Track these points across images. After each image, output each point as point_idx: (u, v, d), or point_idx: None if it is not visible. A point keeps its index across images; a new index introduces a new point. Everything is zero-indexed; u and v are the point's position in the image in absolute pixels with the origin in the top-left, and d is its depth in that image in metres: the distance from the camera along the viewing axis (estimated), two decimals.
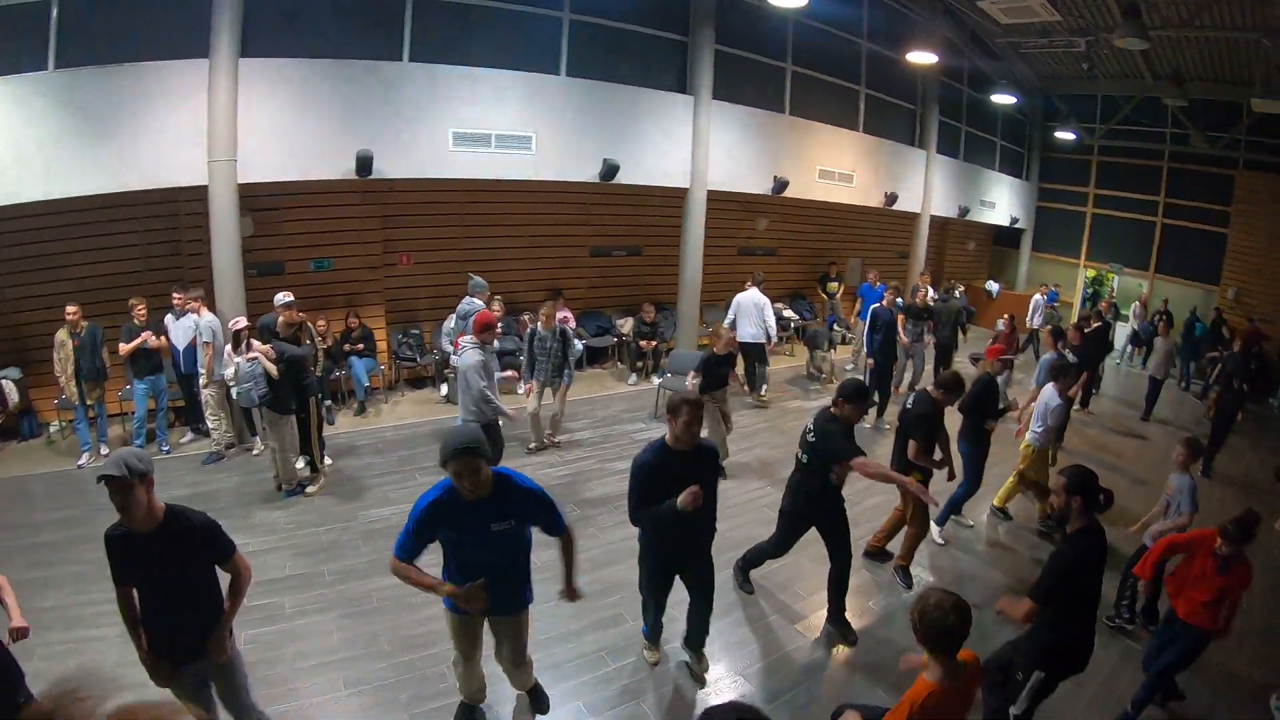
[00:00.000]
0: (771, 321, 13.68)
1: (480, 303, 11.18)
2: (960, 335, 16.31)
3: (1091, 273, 26.11)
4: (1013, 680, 5.12)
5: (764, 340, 13.69)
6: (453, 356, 9.88)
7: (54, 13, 9.31)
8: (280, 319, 8.87)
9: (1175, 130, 22.31)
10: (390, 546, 4.49)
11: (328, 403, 11.28)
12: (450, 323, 11.82)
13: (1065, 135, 24.09)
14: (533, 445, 10.78)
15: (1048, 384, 9.22)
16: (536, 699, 5.57)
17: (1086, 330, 14.00)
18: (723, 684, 6.13)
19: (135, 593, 4.12)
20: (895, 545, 8.08)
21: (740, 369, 11.28)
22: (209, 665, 4.32)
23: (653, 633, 6.24)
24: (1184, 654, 5.92)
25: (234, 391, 8.75)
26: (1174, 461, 7.47)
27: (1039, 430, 8.97)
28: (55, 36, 9.33)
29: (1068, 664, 5.07)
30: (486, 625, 4.98)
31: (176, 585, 4.06)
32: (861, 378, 9.65)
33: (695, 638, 6.19)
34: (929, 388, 7.79)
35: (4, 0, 9.13)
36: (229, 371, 8.98)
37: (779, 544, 7.01)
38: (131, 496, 3.77)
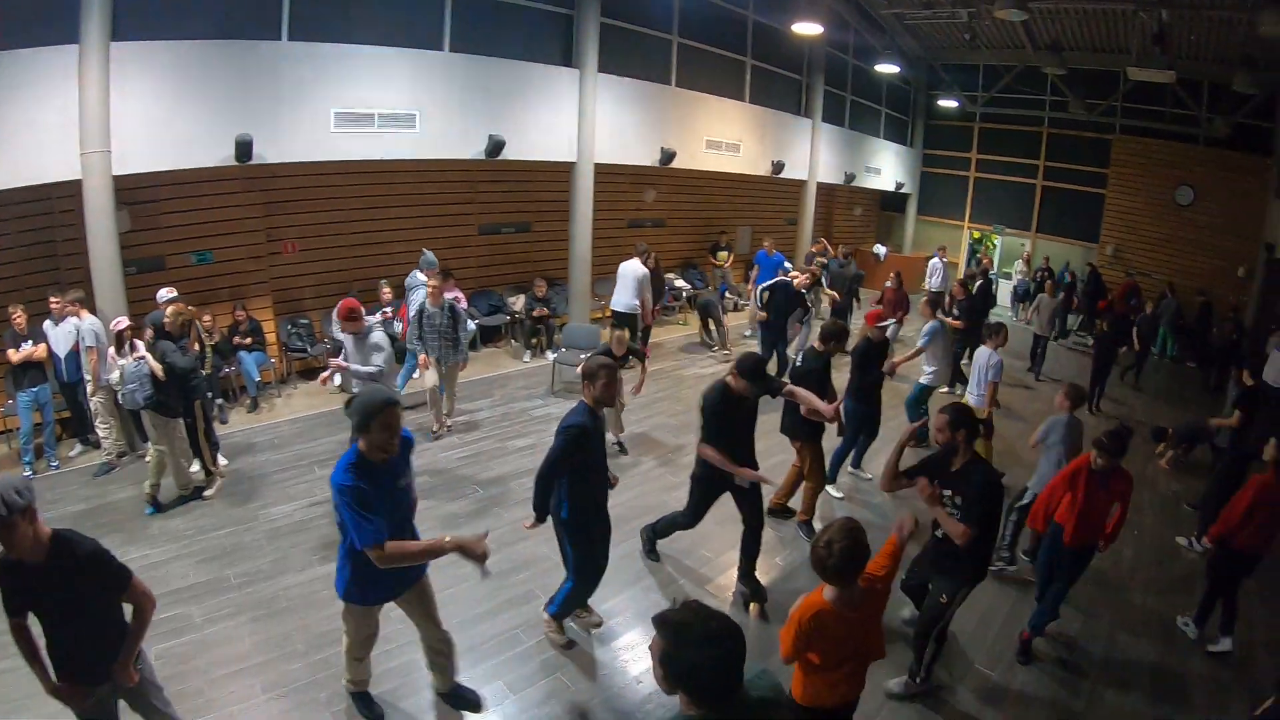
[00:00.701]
0: (648, 295, 13.93)
1: (423, 278, 11.61)
2: (855, 301, 16.85)
3: (976, 234, 27.23)
4: (935, 601, 5.67)
5: (637, 313, 13.94)
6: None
7: None
8: (168, 312, 8.53)
9: (1055, 98, 23.50)
10: (295, 543, 4.56)
11: (219, 401, 11.06)
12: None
13: (948, 103, 25.14)
14: (435, 430, 10.79)
15: (981, 347, 10.03)
16: (461, 699, 5.64)
17: (971, 287, 15.06)
18: (638, 650, 6.37)
19: (38, 620, 4.02)
20: (797, 503, 8.55)
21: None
22: (119, 688, 4.30)
23: (573, 603, 6.35)
24: (1073, 574, 6.57)
25: (119, 394, 8.46)
26: (1056, 406, 8.04)
27: (979, 393, 9.63)
28: None
29: (980, 577, 5.65)
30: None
31: (74, 612, 4.00)
32: (761, 353, 9.94)
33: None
34: (814, 343, 8.20)
35: None
36: (114, 375, 8.69)
37: (692, 514, 7.16)
38: (15, 533, 3.64)
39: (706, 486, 6.97)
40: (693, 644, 2.59)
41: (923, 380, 10.85)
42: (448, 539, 4.55)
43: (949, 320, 12.82)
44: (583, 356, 10.99)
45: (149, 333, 8.61)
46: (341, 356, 8.51)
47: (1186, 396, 16.21)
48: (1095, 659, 6.79)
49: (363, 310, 8.59)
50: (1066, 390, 8.01)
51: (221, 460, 9.39)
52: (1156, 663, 6.85)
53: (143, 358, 8.24)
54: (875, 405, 9.49)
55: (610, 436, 9.99)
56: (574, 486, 5.65)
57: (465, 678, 5.75)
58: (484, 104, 13.22)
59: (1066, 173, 24.56)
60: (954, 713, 5.94)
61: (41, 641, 4.04)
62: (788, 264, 16.51)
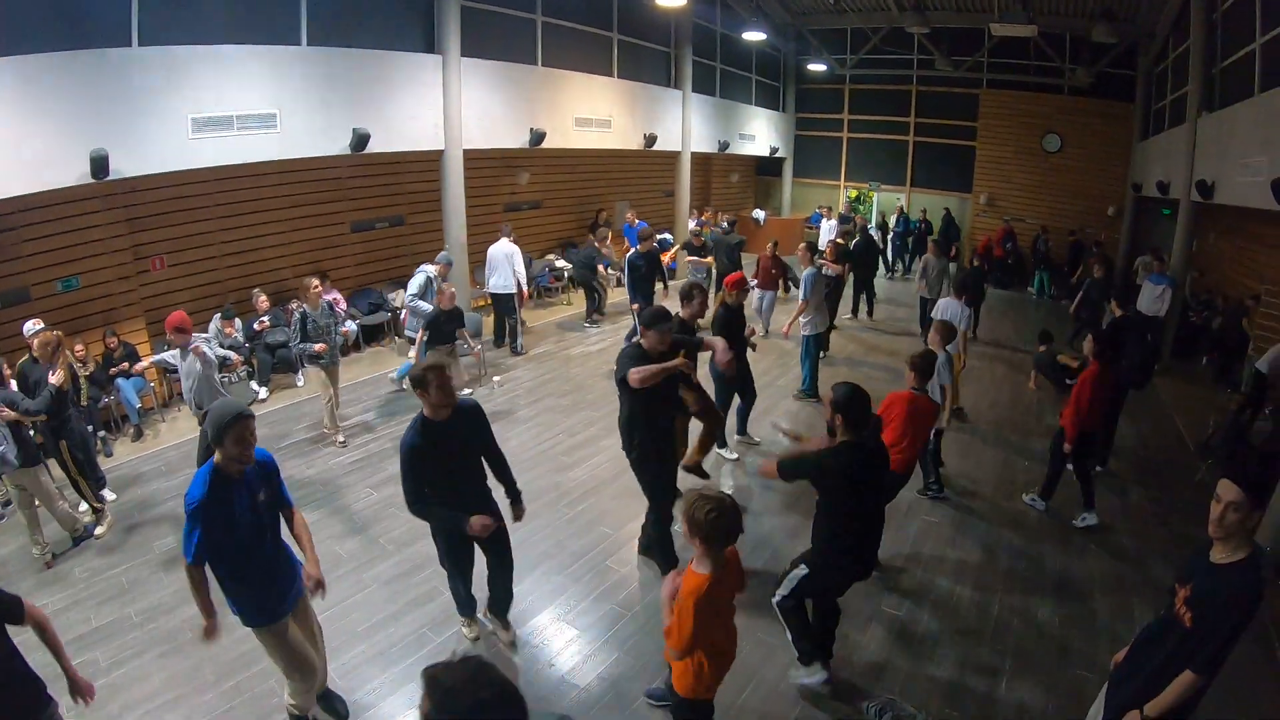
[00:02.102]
0: (521, 270, 14.33)
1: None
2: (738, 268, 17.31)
3: (853, 193, 28.24)
4: (788, 568, 5.81)
5: (514, 290, 14.35)
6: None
7: None
8: (35, 343, 8.37)
9: (922, 56, 24.93)
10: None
11: (101, 434, 10.89)
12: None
13: (818, 67, 25.96)
14: (342, 440, 10.80)
15: (948, 297, 11.55)
16: (330, 703, 5.78)
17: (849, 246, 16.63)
18: (548, 633, 6.70)
19: None
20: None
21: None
22: None
23: (464, 607, 6.54)
24: None
25: None
26: (930, 343, 8.90)
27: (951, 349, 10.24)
28: None
29: (829, 572, 5.67)
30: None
31: None
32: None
33: (498, 604, 6.55)
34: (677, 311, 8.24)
35: None
36: None
37: (656, 498, 7.22)
38: None
39: (653, 464, 7.00)
40: (459, 713, 2.41)
41: (805, 332, 11.72)
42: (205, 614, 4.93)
43: (828, 264, 14.01)
44: (470, 342, 11.34)
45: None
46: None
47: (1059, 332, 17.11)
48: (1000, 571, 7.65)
49: (190, 324, 8.64)
50: (936, 327, 9.05)
51: (108, 494, 9.28)
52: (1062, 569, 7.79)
53: None
54: (744, 369, 9.79)
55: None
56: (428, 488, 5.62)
57: (378, 682, 6.05)
58: (346, 97, 13.18)
59: (937, 127, 26.00)
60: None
61: None
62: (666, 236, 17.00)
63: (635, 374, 6.23)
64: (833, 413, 5.33)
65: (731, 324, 9.53)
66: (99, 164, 10.25)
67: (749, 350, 10.03)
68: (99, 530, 8.66)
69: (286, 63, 12.45)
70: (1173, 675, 3.81)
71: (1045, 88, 23.60)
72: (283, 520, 5.13)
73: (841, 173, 28.58)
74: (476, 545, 6.05)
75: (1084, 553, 8.23)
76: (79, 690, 4.49)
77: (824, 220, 21.68)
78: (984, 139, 25.17)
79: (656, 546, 7.40)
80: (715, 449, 9.65)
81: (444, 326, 11.38)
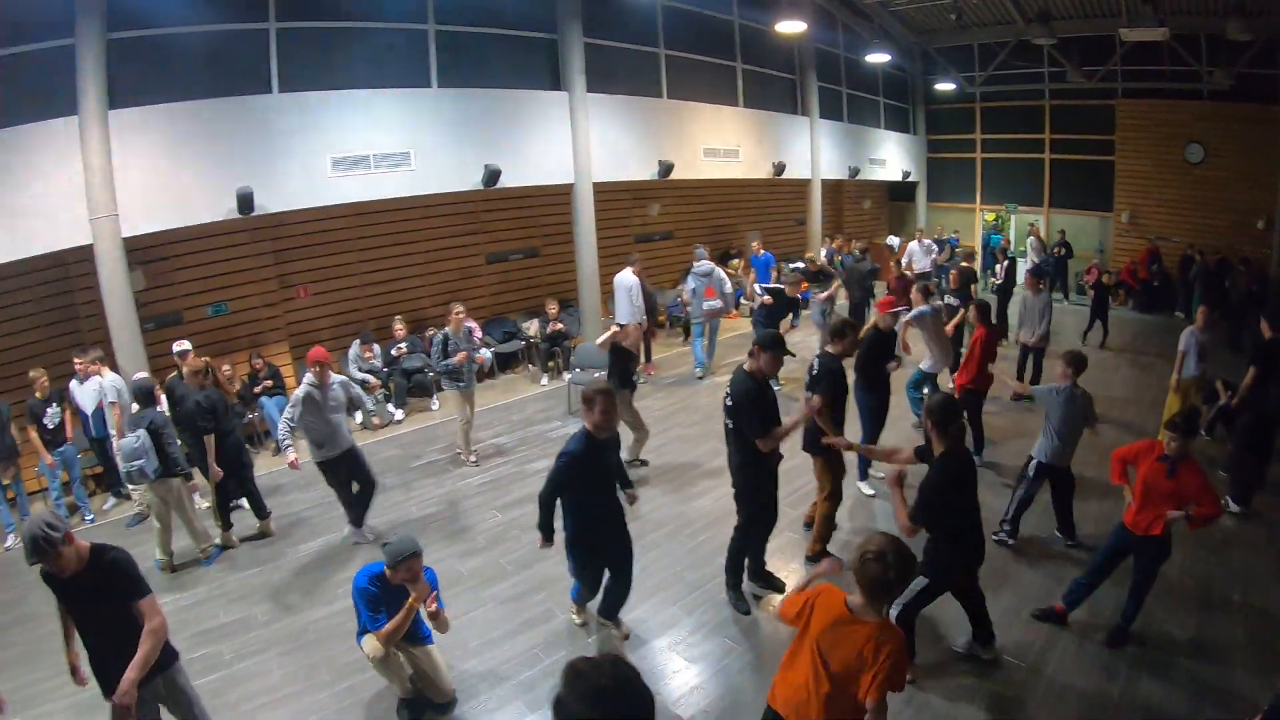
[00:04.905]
0: (639, 303, 14.16)
1: (708, 264, 14.47)
2: (870, 297, 16.86)
3: (991, 215, 27.06)
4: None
5: (632, 322, 14.12)
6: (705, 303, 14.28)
7: None
8: (185, 370, 8.82)
9: (1053, 69, 23.29)
10: (322, 578, 5.12)
11: (245, 447, 11.40)
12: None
13: (946, 86, 24.97)
14: (474, 460, 11.01)
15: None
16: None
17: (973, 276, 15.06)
18: (657, 661, 6.53)
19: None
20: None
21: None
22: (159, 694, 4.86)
23: (580, 599, 6.76)
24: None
25: (125, 472, 8.22)
26: (1058, 377, 7.99)
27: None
28: None
29: (949, 575, 5.72)
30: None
31: (105, 619, 4.58)
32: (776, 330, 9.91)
33: (609, 610, 6.70)
34: (827, 346, 7.94)
35: None
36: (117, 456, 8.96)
37: (753, 517, 6.97)
38: (63, 560, 4.35)
39: (761, 500, 6.88)
40: (578, 697, 2.51)
41: (922, 366, 11.14)
42: (413, 598, 5.41)
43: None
44: (597, 375, 11.35)
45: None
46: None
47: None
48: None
49: (329, 361, 8.65)
50: (1066, 357, 7.96)
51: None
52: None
53: (142, 435, 8.04)
54: (883, 395, 9.18)
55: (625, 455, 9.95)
56: (577, 509, 5.88)
57: (486, 698, 6.13)
58: (477, 135, 13.58)
59: (1073, 143, 24.36)
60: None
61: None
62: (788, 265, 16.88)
63: (766, 445, 6.30)
64: (929, 421, 5.43)
65: (880, 348, 9.19)
66: (245, 201, 10.98)
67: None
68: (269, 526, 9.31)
69: (418, 104, 13.01)
70: None
71: (1183, 94, 21.62)
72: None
73: (977, 195, 27.27)
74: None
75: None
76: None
77: (914, 244, 19.87)
78: (1123, 153, 23.33)
79: (732, 560, 7.19)
80: (856, 482, 9.39)
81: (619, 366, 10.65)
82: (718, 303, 14.72)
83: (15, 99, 9.82)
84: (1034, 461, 7.89)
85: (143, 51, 10.71)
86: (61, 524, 4.36)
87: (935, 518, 5.42)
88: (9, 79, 9.82)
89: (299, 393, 8.29)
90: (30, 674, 6.81)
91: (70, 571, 4.39)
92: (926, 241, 20.01)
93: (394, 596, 5.39)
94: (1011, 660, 6.26)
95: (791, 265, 18.63)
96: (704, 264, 14.80)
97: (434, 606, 5.41)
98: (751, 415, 6.29)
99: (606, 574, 6.43)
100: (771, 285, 14.20)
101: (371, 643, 5.35)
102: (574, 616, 6.90)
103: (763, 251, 17.97)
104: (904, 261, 19.02)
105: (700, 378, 14.62)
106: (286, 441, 8.16)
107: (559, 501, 6.00)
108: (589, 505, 5.88)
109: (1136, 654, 6.36)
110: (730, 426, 6.59)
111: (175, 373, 9.75)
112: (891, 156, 26.01)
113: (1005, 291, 16.74)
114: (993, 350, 10.04)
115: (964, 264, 15.38)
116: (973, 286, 14.41)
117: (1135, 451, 6.47)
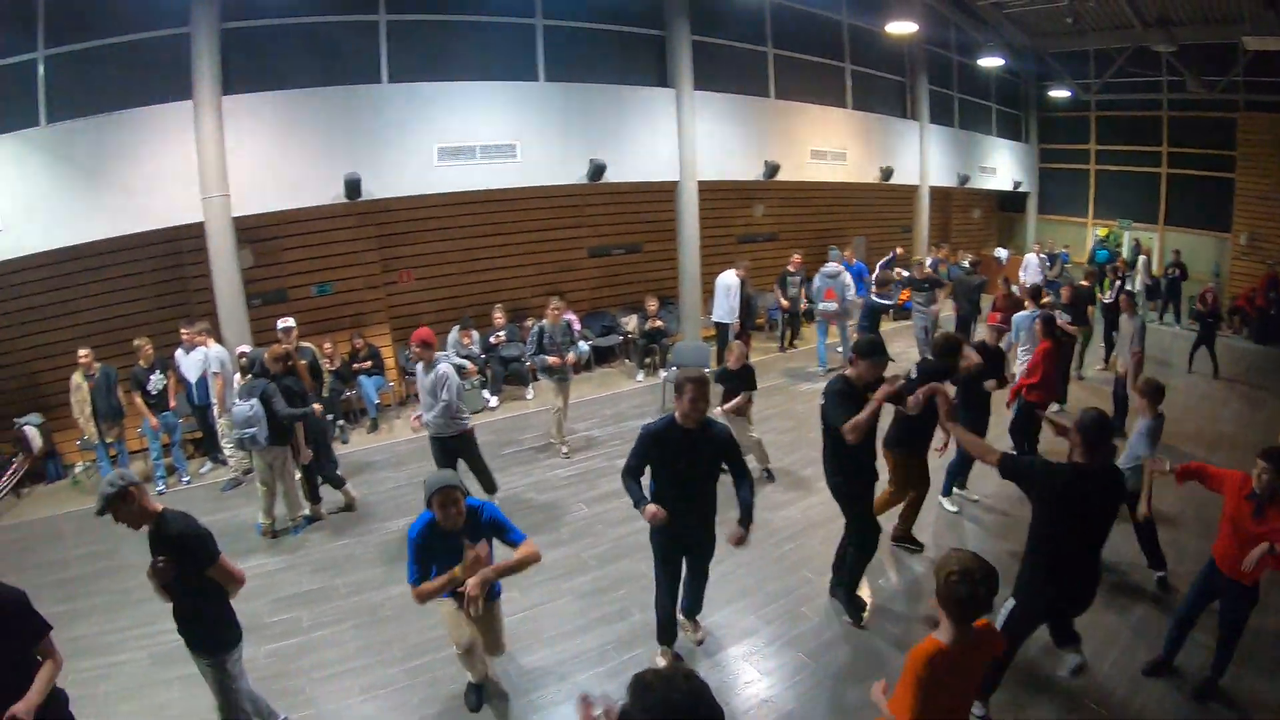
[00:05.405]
0: (735, 304, 14.13)
1: (835, 267, 15.05)
2: (978, 311, 16.30)
3: (1103, 231, 25.71)
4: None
5: (728, 322, 14.26)
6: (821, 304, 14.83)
7: (40, 70, 9.90)
8: (266, 355, 8.80)
9: (1171, 78, 21.99)
10: (405, 556, 5.07)
11: (340, 422, 11.80)
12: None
13: (1060, 93, 24.02)
14: (565, 451, 11.04)
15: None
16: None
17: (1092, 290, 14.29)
18: (730, 670, 6.34)
19: None
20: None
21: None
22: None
23: (664, 632, 6.32)
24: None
25: (236, 438, 8.68)
26: (1139, 411, 7.51)
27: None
28: (44, 93, 9.92)
29: (1041, 602, 5.13)
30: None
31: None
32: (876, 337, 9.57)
33: (690, 607, 6.50)
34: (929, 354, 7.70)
35: None
36: (223, 421, 9.74)
37: (865, 531, 6.76)
38: (126, 503, 4.52)
39: (857, 499, 6.68)
40: (647, 709, 2.47)
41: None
42: (455, 571, 5.12)
43: (1065, 326, 11.82)
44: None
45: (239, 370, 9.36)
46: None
47: None
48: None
49: (434, 341, 8.67)
50: (1142, 388, 7.43)
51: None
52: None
53: (255, 404, 8.34)
54: (981, 414, 8.60)
55: (754, 464, 9.56)
56: (655, 491, 5.71)
57: (554, 690, 6.05)
58: (582, 129, 13.62)
59: (1191, 158, 22.85)
60: None
61: None
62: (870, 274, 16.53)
63: (850, 431, 5.93)
64: (1075, 432, 4.90)
65: (984, 362, 8.72)
66: (352, 187, 11.23)
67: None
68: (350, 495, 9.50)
69: (524, 97, 13.11)
70: None
71: None
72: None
73: (1089, 209, 26.02)
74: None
75: None
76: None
77: (1031, 255, 19.72)
78: (1244, 170, 21.62)
79: (847, 575, 6.93)
80: (939, 496, 9.00)
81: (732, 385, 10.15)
82: (833, 305, 14.79)
83: (135, 83, 10.35)
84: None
85: (256, 41, 11.11)
86: (130, 476, 4.59)
87: (1015, 474, 5.02)
88: (129, 64, 10.39)
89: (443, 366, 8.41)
90: (112, 622, 7.11)
91: (133, 524, 4.60)
92: (1044, 255, 19.48)
93: (444, 546, 5.19)
94: (1093, 707, 5.76)
95: (882, 264, 18.12)
96: (832, 266, 15.02)
97: (483, 551, 5.17)
98: (836, 405, 6.12)
99: (685, 567, 6.22)
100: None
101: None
102: (659, 658, 6.42)
103: (855, 260, 17.37)
104: (1020, 275, 18.56)
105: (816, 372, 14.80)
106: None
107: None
108: (663, 488, 5.70)
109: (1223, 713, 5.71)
110: (824, 430, 6.43)
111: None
112: (1002, 165, 25.03)
113: (1114, 311, 15.37)
114: (1054, 364, 9.54)
115: (1082, 282, 14.42)
116: (1089, 308, 13.83)
117: (1221, 478, 5.62)
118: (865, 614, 6.88)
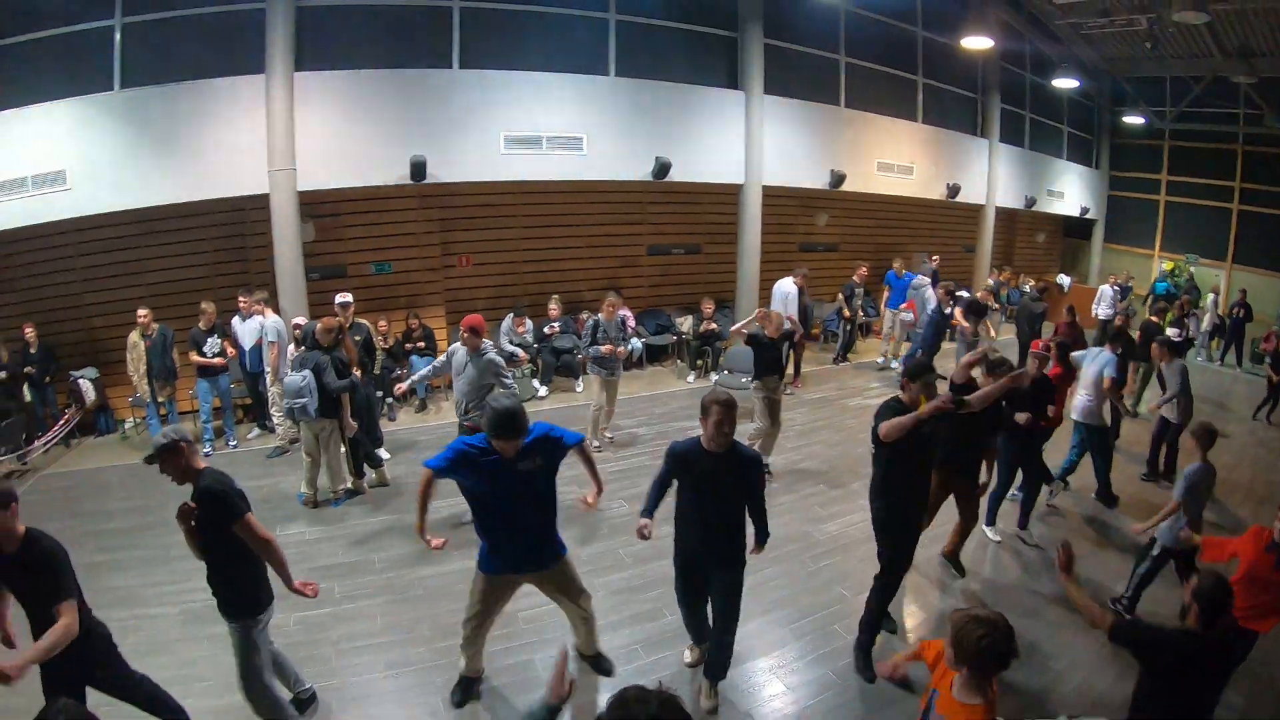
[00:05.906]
0: (792, 311, 13.53)
1: (922, 279, 15.39)
2: (1039, 338, 15.82)
3: (1169, 265, 24.92)
4: None
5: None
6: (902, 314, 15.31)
7: (117, 36, 10.09)
8: (319, 327, 8.76)
9: (1249, 110, 21.30)
10: (442, 537, 4.98)
11: (389, 400, 11.77)
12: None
13: (1134, 120, 23.46)
14: (609, 436, 11.07)
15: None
16: (600, 663, 5.96)
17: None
18: (755, 682, 6.12)
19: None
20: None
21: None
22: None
23: (691, 633, 6.17)
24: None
25: (285, 407, 8.78)
26: (1188, 449, 7.24)
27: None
28: (120, 59, 10.11)
29: None
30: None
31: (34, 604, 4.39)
32: (925, 358, 9.19)
33: (711, 666, 5.85)
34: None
35: (69, 27, 9.92)
36: (272, 391, 9.86)
37: (894, 568, 6.33)
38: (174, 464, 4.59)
39: (895, 530, 6.24)
40: None
41: (1075, 416, 9.77)
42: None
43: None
44: (744, 380, 11.08)
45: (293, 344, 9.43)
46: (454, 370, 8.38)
47: None
48: None
49: (484, 329, 8.40)
50: (1194, 431, 7.09)
51: (383, 454, 9.84)
52: None
53: (307, 376, 8.39)
54: (1032, 447, 8.45)
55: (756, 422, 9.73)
56: (675, 512, 5.54)
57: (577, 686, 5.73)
58: (650, 127, 13.55)
59: (1266, 195, 22.12)
60: None
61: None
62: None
63: (885, 426, 5.68)
64: (1193, 600, 4.34)
65: (1031, 390, 8.27)
66: (418, 169, 11.25)
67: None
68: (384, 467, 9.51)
69: (594, 91, 13.07)
70: None
71: None
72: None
73: (1156, 241, 25.37)
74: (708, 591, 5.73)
75: None
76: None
77: (1106, 286, 18.67)
78: None
79: (868, 619, 6.41)
80: (982, 526, 8.47)
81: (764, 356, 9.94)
82: (909, 315, 14.98)
83: (209, 54, 10.54)
84: (1158, 544, 6.86)
85: (330, 20, 11.20)
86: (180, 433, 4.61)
87: (1133, 643, 4.45)
88: (205, 36, 10.55)
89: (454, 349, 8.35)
90: (149, 576, 7.20)
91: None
92: (1117, 286, 18.79)
93: (478, 468, 5.12)
94: None
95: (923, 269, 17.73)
96: (919, 278, 15.28)
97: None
98: (885, 418, 5.78)
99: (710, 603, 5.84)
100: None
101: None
102: (686, 653, 6.29)
103: (905, 273, 16.56)
104: (1094, 308, 18.06)
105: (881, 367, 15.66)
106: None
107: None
108: (683, 505, 5.48)
109: None
110: (873, 456, 6.18)
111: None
112: (1070, 190, 24.48)
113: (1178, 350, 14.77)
114: (1063, 391, 9.43)
115: (1152, 319, 13.66)
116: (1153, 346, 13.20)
117: (1230, 543, 5.51)
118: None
